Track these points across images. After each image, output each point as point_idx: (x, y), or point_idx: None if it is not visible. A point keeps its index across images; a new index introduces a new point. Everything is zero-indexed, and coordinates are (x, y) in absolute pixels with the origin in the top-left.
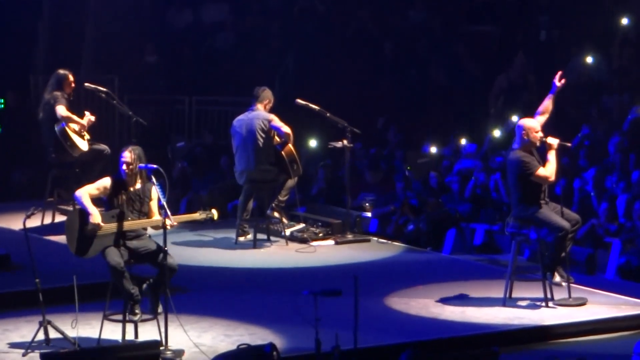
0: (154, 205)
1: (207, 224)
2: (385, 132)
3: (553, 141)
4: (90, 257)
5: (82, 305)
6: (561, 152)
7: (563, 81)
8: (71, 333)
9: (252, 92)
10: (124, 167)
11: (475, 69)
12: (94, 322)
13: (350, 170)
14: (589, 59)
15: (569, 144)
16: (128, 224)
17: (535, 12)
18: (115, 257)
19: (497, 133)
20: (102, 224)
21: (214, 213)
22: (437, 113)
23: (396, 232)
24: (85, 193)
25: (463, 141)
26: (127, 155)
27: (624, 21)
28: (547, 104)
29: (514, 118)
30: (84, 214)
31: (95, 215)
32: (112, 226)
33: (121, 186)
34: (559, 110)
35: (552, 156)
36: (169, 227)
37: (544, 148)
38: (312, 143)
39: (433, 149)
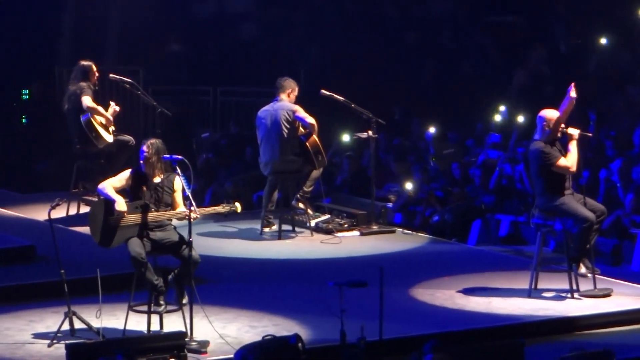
0: (177, 196)
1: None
2: (407, 123)
3: (573, 132)
4: (114, 247)
5: (107, 296)
6: (583, 142)
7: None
8: (96, 324)
9: (275, 84)
10: (142, 160)
11: (499, 59)
12: (119, 313)
13: (375, 161)
14: (610, 47)
15: (590, 134)
16: (152, 216)
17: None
18: (137, 247)
19: (521, 119)
20: (126, 213)
21: (237, 206)
22: (460, 103)
23: (423, 224)
24: (109, 185)
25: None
26: (145, 149)
27: None
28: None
29: (502, 108)
30: (108, 204)
31: (121, 203)
32: (135, 217)
33: (142, 178)
34: (583, 100)
35: (573, 147)
36: (192, 218)
37: (565, 139)
38: (345, 138)
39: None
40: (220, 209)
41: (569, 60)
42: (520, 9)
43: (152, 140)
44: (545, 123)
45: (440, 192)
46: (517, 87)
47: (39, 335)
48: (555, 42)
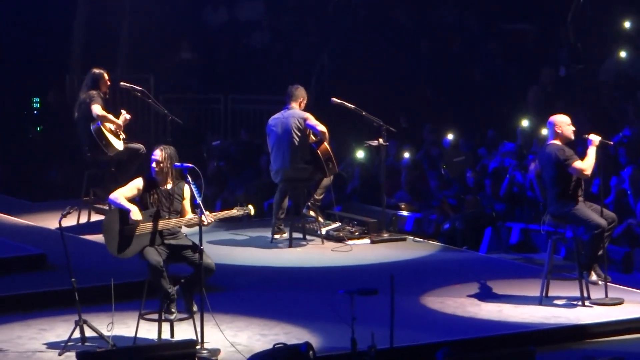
0: (187, 204)
1: (244, 220)
2: (417, 131)
3: (595, 138)
4: (129, 257)
5: (118, 304)
6: (602, 150)
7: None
8: (107, 332)
9: (286, 91)
10: (154, 165)
11: (512, 68)
12: (129, 321)
13: (385, 169)
14: (623, 54)
15: (611, 143)
16: (165, 223)
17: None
18: (155, 256)
19: (525, 123)
20: (141, 222)
21: (251, 209)
22: (473, 112)
23: (436, 232)
24: (120, 194)
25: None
26: (158, 154)
27: None
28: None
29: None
30: (122, 213)
31: (136, 212)
32: (149, 225)
33: (153, 185)
34: (597, 108)
35: (591, 151)
36: (205, 224)
37: (581, 147)
38: (359, 154)
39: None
40: (234, 212)
41: (581, 70)
42: (533, 17)
43: (165, 147)
44: (556, 126)
45: (454, 199)
46: (531, 103)
47: (49, 344)
48: (562, 59)
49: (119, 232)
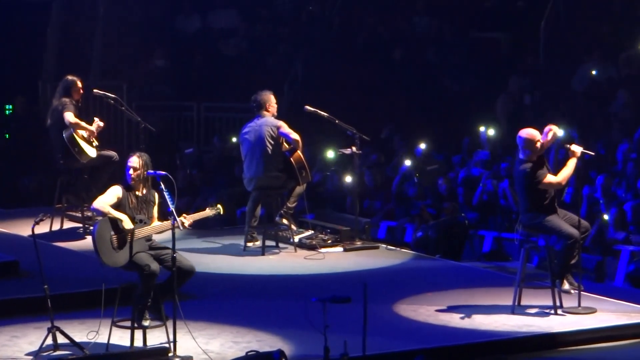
0: (155, 210)
1: (217, 228)
2: (389, 140)
3: (576, 149)
4: (121, 265)
5: (90, 311)
6: (580, 159)
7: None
8: (79, 339)
9: (252, 101)
10: (131, 171)
11: (483, 76)
12: (102, 328)
13: (358, 176)
14: (594, 72)
15: (592, 153)
16: (147, 230)
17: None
18: (151, 262)
19: (491, 132)
20: (135, 230)
21: (220, 208)
22: (445, 120)
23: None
24: (105, 203)
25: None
26: (135, 161)
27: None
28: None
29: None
30: (113, 222)
31: (127, 220)
32: (139, 232)
33: (131, 192)
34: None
35: (571, 163)
36: (185, 227)
37: (563, 155)
38: (329, 154)
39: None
40: (208, 212)
41: (551, 80)
42: (505, 26)
43: (141, 154)
44: (525, 145)
45: (433, 209)
46: (500, 112)
47: (22, 351)
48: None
49: (111, 240)
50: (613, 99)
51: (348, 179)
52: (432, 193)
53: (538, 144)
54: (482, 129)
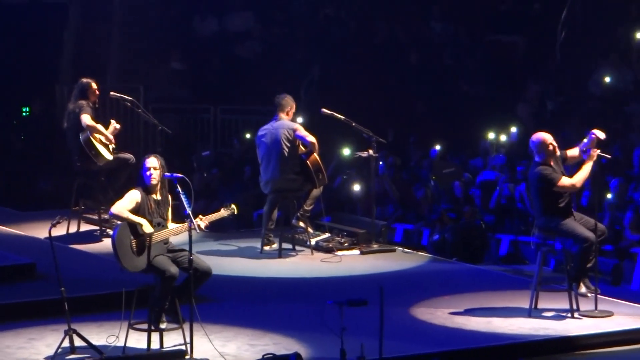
0: (170, 211)
1: (233, 231)
2: (405, 143)
3: (593, 153)
4: (141, 269)
5: (107, 314)
6: (597, 163)
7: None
8: (96, 342)
9: (274, 102)
10: (152, 172)
11: (500, 79)
12: (119, 330)
13: (375, 180)
14: (607, 78)
15: (609, 155)
16: (165, 233)
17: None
18: (171, 266)
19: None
20: (154, 234)
21: (234, 208)
22: (462, 123)
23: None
24: (123, 208)
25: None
26: (154, 161)
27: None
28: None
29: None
30: (132, 227)
31: (146, 225)
32: (158, 235)
33: (149, 196)
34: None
35: (587, 166)
36: (198, 232)
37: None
38: (346, 151)
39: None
40: (223, 212)
41: (568, 83)
42: (521, 29)
43: (158, 155)
44: (538, 148)
45: (453, 213)
46: (523, 116)
47: (39, 353)
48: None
49: (131, 245)
50: (630, 102)
51: (356, 186)
52: (448, 196)
53: (551, 147)
54: (490, 135)
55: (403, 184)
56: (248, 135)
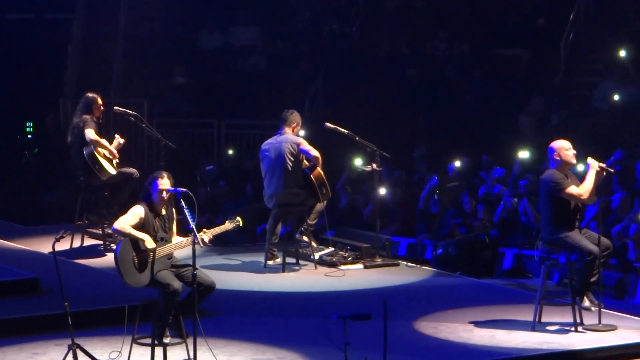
0: (175, 225)
1: (237, 245)
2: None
3: (593, 162)
4: (144, 284)
5: (110, 329)
6: (603, 177)
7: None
8: (99, 357)
9: (281, 115)
10: (164, 194)
11: (505, 92)
12: (123, 345)
13: (379, 193)
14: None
15: (612, 170)
16: (172, 247)
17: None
18: (174, 281)
19: (524, 154)
20: (157, 249)
21: (240, 220)
22: (467, 136)
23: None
24: (126, 224)
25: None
26: (167, 183)
27: None
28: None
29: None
30: (134, 242)
31: (149, 240)
32: (161, 251)
33: (152, 211)
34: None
35: (590, 175)
36: (202, 246)
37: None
38: (357, 162)
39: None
40: (227, 225)
41: (573, 98)
42: (526, 43)
43: (168, 174)
44: (555, 152)
45: (463, 228)
46: (526, 132)
47: None
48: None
49: (133, 261)
50: (633, 115)
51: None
52: (455, 210)
53: (569, 154)
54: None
55: (407, 199)
56: (230, 152)
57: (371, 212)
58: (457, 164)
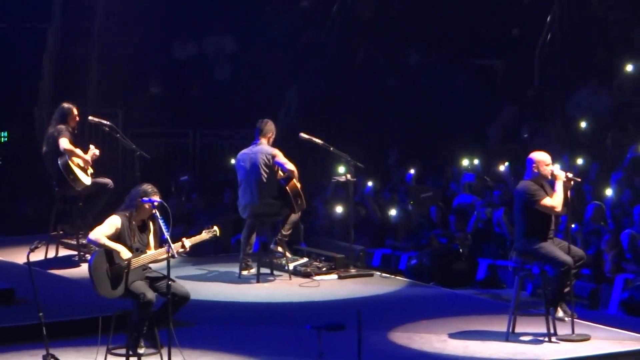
0: (151, 237)
1: (211, 256)
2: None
3: (560, 173)
4: (118, 295)
5: (85, 339)
6: (571, 187)
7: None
8: None
9: (256, 125)
10: (155, 211)
11: (479, 102)
12: (97, 355)
13: (352, 204)
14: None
15: (579, 179)
16: (147, 258)
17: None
18: (148, 292)
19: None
20: (132, 260)
21: (217, 230)
22: (440, 146)
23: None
24: (102, 234)
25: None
26: (158, 198)
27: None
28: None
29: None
30: (109, 253)
31: (124, 251)
32: (135, 262)
33: (129, 222)
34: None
35: (558, 187)
36: (176, 257)
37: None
38: (341, 169)
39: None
40: (204, 235)
41: (546, 107)
42: (500, 53)
43: (155, 189)
44: (534, 164)
45: (445, 238)
46: (492, 140)
47: None
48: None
49: (107, 272)
50: (607, 125)
51: (339, 208)
52: (424, 221)
53: (548, 168)
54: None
55: (382, 208)
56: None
57: (346, 223)
58: (412, 171)
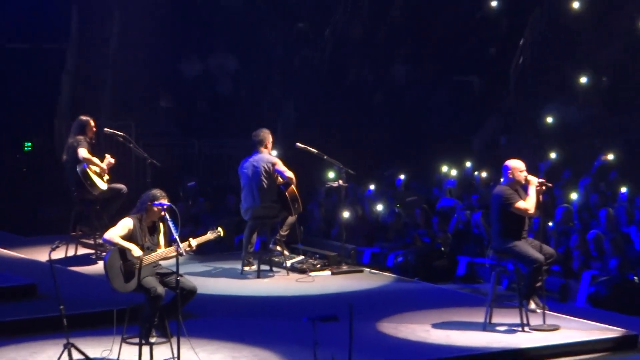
0: (161, 238)
1: (216, 254)
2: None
3: (532, 179)
4: (131, 290)
5: (102, 329)
6: (544, 191)
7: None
8: (92, 355)
9: (252, 138)
10: (164, 213)
11: (460, 115)
12: (113, 345)
13: (344, 207)
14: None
15: (550, 184)
16: (154, 256)
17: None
18: (159, 286)
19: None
20: (143, 257)
21: (221, 230)
22: (424, 155)
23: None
24: (115, 234)
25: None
26: (166, 202)
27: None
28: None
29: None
30: (122, 252)
31: (136, 249)
32: (146, 259)
33: (140, 223)
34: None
35: (532, 191)
36: (184, 255)
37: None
38: (331, 174)
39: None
40: (209, 235)
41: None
42: (478, 70)
43: (163, 193)
44: (509, 171)
45: (428, 237)
46: (476, 150)
47: None
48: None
49: (120, 268)
50: (575, 137)
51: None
52: (410, 223)
53: (522, 174)
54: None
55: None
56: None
57: (339, 224)
58: (402, 177)
